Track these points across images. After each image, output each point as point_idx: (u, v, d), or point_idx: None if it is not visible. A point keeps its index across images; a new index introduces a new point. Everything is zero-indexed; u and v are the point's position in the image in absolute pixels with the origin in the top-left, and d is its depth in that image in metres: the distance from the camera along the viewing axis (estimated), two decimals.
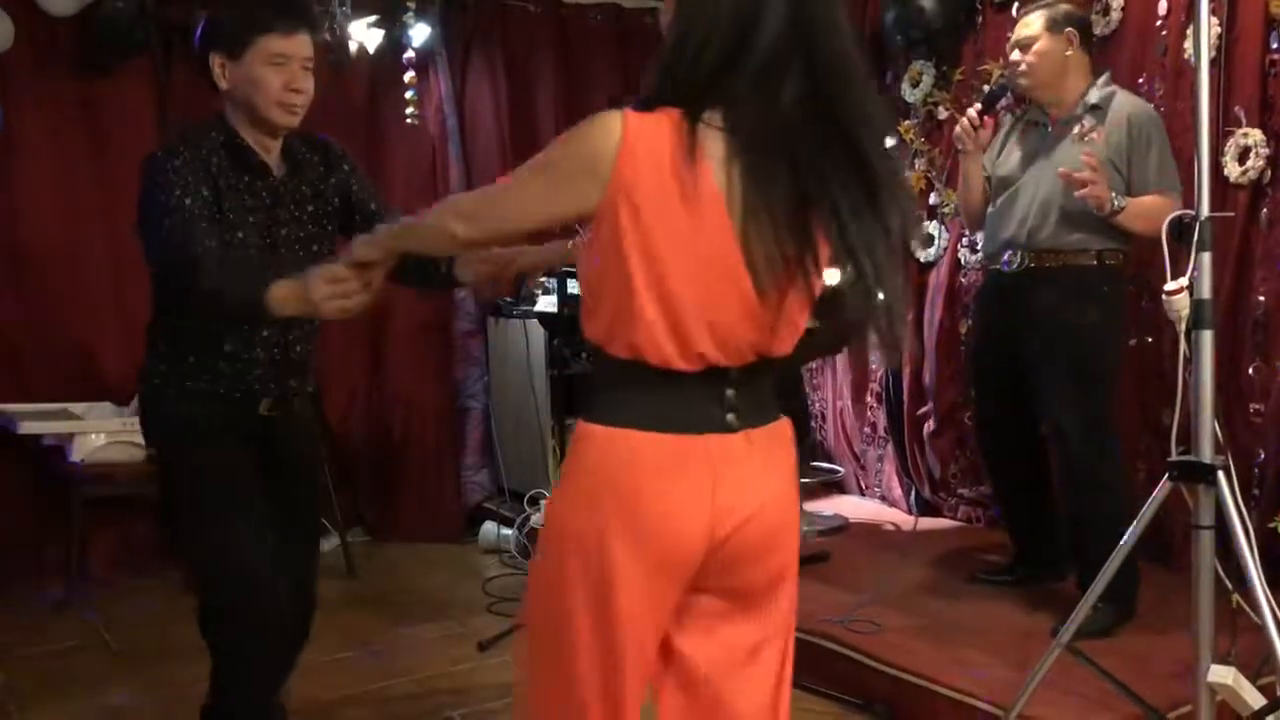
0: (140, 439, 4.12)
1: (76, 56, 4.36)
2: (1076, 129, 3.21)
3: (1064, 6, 3.28)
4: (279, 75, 2.22)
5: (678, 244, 1.42)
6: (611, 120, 1.42)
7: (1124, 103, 3.21)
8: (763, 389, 1.55)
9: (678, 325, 1.44)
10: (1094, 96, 3.21)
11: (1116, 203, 3.02)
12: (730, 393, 1.50)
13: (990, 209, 3.41)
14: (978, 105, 3.38)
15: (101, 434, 4.16)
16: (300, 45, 2.25)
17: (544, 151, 1.51)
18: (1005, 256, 3.29)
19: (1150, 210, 3.02)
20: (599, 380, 1.54)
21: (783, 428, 1.60)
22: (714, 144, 1.41)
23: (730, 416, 1.50)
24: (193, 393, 2.31)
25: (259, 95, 2.22)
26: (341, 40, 4.67)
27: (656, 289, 1.42)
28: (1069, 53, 3.21)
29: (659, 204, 1.41)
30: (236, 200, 2.26)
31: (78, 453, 4.11)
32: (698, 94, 1.42)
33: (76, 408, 4.28)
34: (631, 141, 1.40)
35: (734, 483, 1.50)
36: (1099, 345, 3.20)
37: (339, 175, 2.42)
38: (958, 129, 3.37)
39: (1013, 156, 3.36)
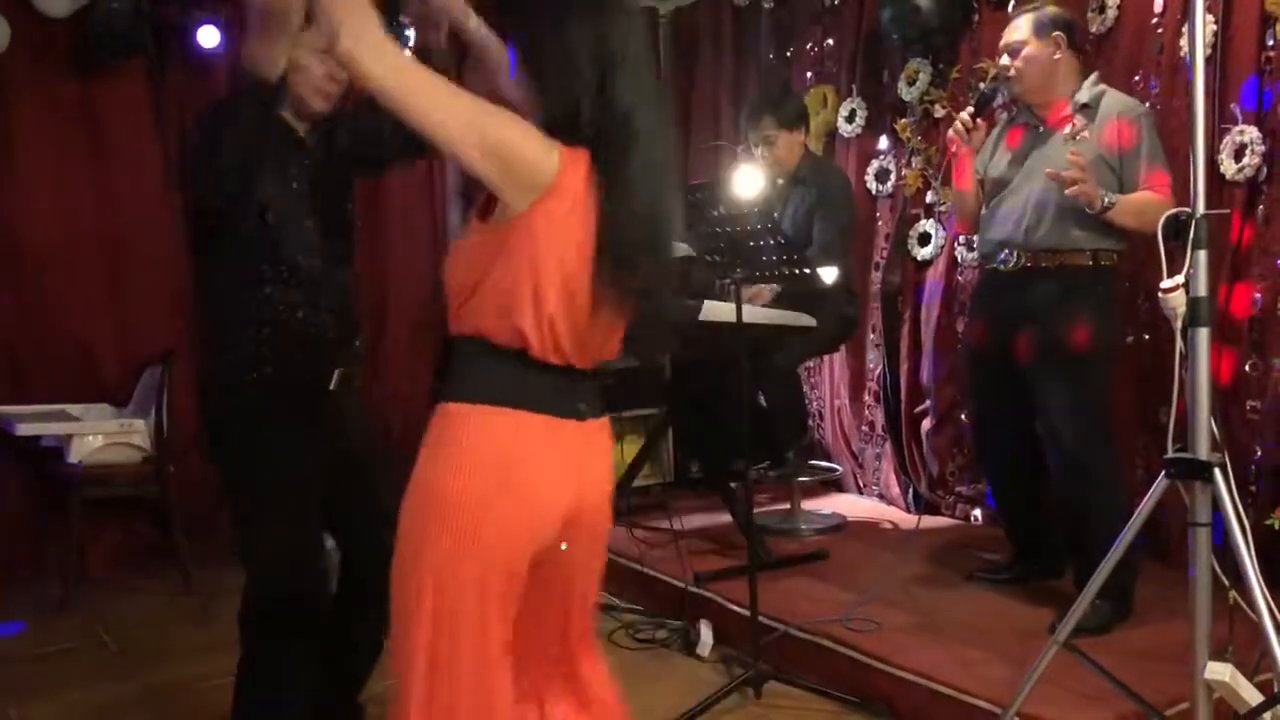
0: (138, 440, 4.18)
1: (72, 57, 4.37)
2: (1067, 128, 3.23)
3: (1051, 9, 3.30)
4: (323, 65, 2.35)
5: (574, 262, 1.63)
6: (553, 148, 1.61)
7: (1113, 100, 3.22)
8: (599, 386, 1.79)
9: (557, 328, 1.65)
10: (1084, 96, 3.23)
11: (1106, 200, 3.03)
12: (584, 385, 1.73)
13: (984, 210, 3.43)
14: (970, 108, 3.39)
15: (99, 435, 4.17)
16: None
17: (504, 120, 1.59)
18: (1002, 255, 3.30)
19: (1143, 206, 3.03)
20: (471, 364, 1.69)
21: (605, 420, 1.82)
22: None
23: (583, 406, 1.73)
24: (264, 374, 2.36)
25: (301, 80, 2.36)
26: None
27: (554, 294, 1.63)
28: (1057, 56, 3.23)
29: (571, 226, 1.62)
30: (279, 167, 2.37)
31: (76, 454, 4.11)
32: (588, 141, 1.63)
33: (74, 409, 4.29)
34: (564, 170, 1.60)
35: (590, 463, 1.75)
36: (1095, 343, 3.20)
37: (345, 127, 2.52)
38: (951, 132, 3.38)
39: (1005, 157, 3.37)
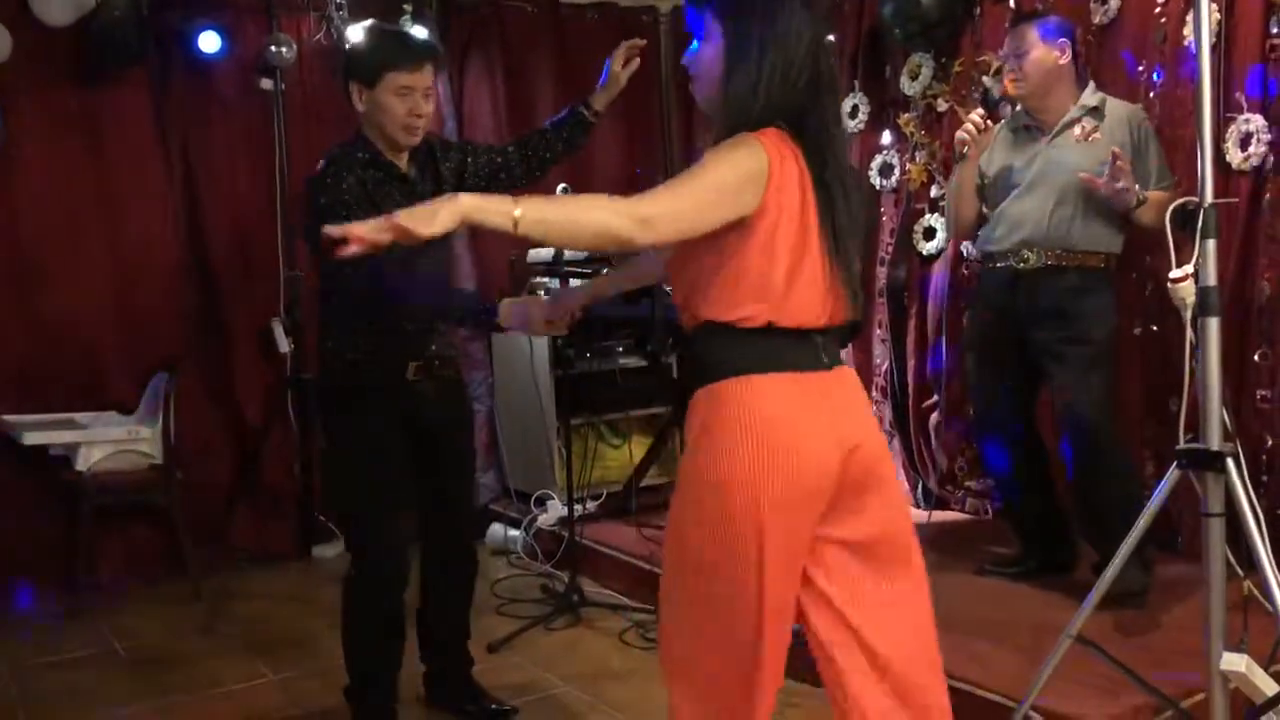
0: (145, 448, 4.18)
1: (74, 66, 4.37)
2: (1078, 130, 3.29)
3: (1055, 17, 3.40)
4: (404, 103, 2.63)
5: (801, 232, 1.75)
6: (756, 143, 1.73)
7: (1119, 105, 3.32)
8: (839, 343, 1.90)
9: (801, 295, 1.77)
10: (1091, 99, 3.30)
11: (1141, 195, 3.10)
12: (820, 339, 1.82)
13: (989, 210, 3.44)
14: (980, 109, 3.39)
15: (107, 443, 4.17)
16: (423, 78, 2.65)
17: (709, 171, 1.72)
18: (1022, 253, 3.32)
19: (1160, 203, 3.08)
20: (734, 351, 1.77)
21: (851, 370, 1.91)
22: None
23: (825, 358, 1.82)
24: (354, 362, 2.72)
25: (387, 119, 2.64)
26: (338, 44, 4.69)
27: (796, 268, 1.76)
28: (1061, 61, 3.29)
29: (792, 201, 1.74)
30: (391, 207, 2.51)
31: (83, 462, 4.11)
32: (791, 115, 1.77)
33: (81, 417, 4.29)
34: (774, 156, 1.72)
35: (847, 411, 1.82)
36: (1108, 336, 3.30)
37: (451, 160, 2.85)
38: (961, 133, 3.38)
39: (1011, 159, 3.40)
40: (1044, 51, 3.28)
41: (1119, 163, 3.02)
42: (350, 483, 2.79)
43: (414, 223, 1.62)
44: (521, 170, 2.94)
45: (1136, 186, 3.09)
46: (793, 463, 1.71)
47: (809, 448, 1.73)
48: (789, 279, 1.75)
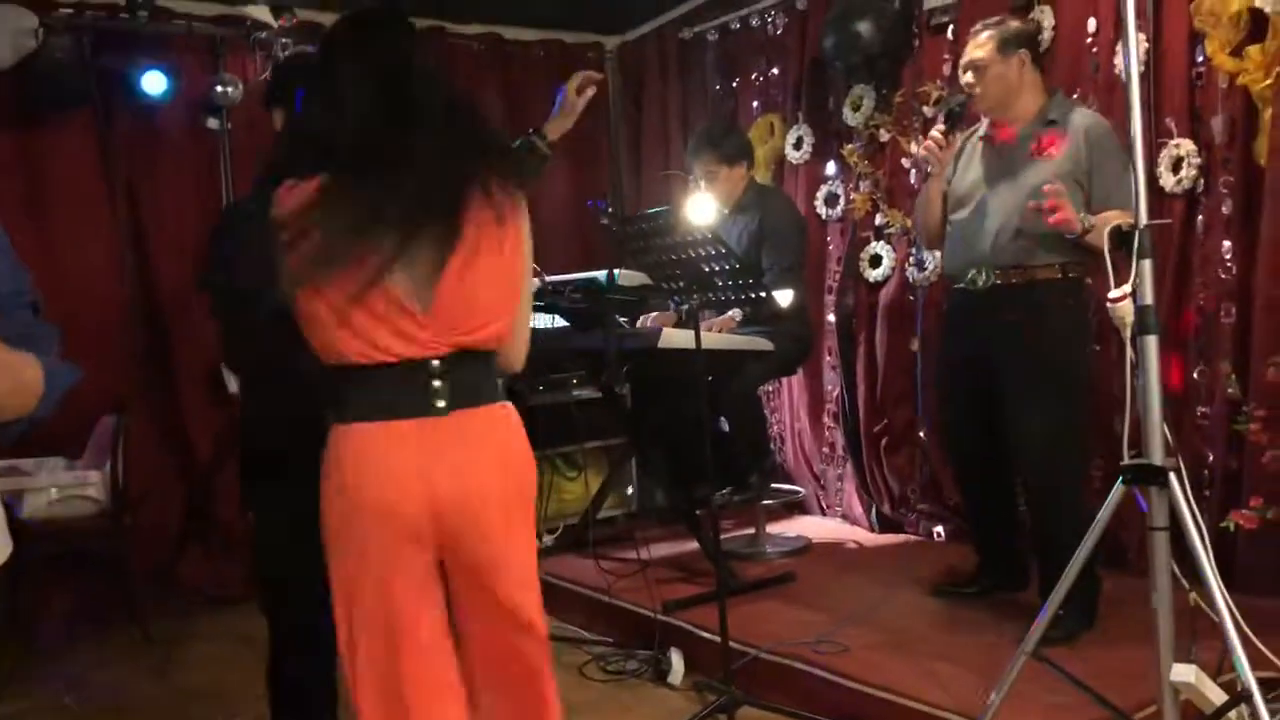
0: (93, 493, 4.10)
1: (16, 109, 4.32)
2: (1033, 145, 3.23)
3: (1014, 25, 3.33)
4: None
5: None
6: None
7: (1081, 116, 3.24)
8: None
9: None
10: (1053, 112, 3.24)
11: (1086, 223, 2.97)
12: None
13: (948, 226, 3.43)
14: (941, 125, 3.39)
15: (53, 489, 4.09)
16: None
17: None
18: (970, 274, 3.29)
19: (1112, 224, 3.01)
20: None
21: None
22: None
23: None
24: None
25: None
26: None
27: None
28: (1021, 72, 3.25)
29: None
30: None
31: (29, 509, 4.03)
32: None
33: (26, 463, 4.20)
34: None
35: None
36: (1067, 358, 3.21)
37: None
38: (923, 151, 3.39)
39: (971, 174, 3.36)
40: (1002, 65, 3.23)
41: (1050, 200, 2.90)
42: None
43: None
44: None
45: (1080, 214, 2.95)
46: None
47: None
48: None
